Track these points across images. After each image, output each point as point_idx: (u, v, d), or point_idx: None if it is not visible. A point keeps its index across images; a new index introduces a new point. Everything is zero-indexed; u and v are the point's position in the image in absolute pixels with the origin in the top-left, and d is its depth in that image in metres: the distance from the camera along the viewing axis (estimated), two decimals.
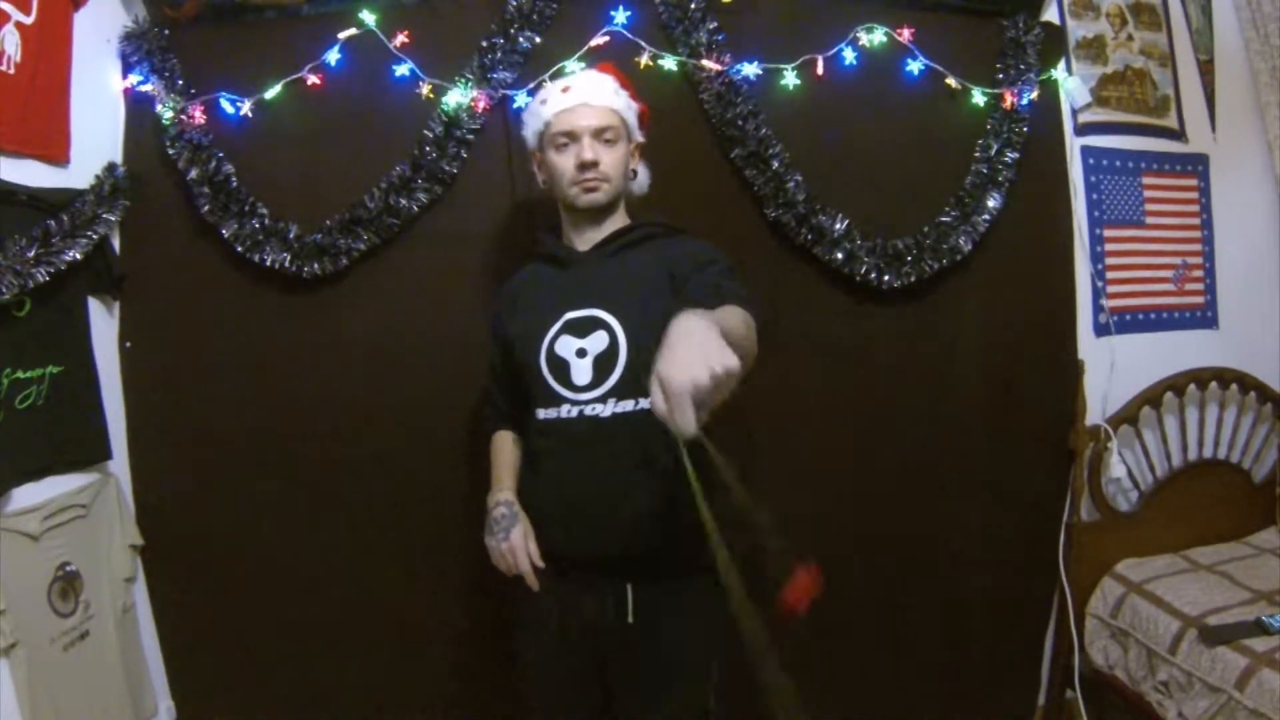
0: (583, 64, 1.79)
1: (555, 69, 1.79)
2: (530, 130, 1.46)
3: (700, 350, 0.90)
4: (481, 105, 1.78)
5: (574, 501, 1.33)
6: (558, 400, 1.33)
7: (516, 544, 1.32)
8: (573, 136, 1.38)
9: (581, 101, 1.39)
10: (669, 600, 1.35)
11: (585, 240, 1.44)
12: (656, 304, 1.28)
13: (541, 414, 1.36)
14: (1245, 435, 2.28)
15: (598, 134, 1.39)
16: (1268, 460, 2.33)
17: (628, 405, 1.30)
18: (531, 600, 1.42)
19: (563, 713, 1.44)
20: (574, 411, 1.32)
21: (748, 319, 1.18)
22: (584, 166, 1.37)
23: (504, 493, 1.40)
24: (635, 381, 1.29)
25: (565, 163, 1.39)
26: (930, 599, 2.09)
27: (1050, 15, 2.10)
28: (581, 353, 1.33)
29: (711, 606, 1.37)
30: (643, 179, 1.54)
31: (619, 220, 1.47)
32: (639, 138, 1.49)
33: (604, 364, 1.31)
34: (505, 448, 1.50)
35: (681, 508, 1.22)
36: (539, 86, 1.80)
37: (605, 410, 1.30)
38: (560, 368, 1.33)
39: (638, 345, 1.29)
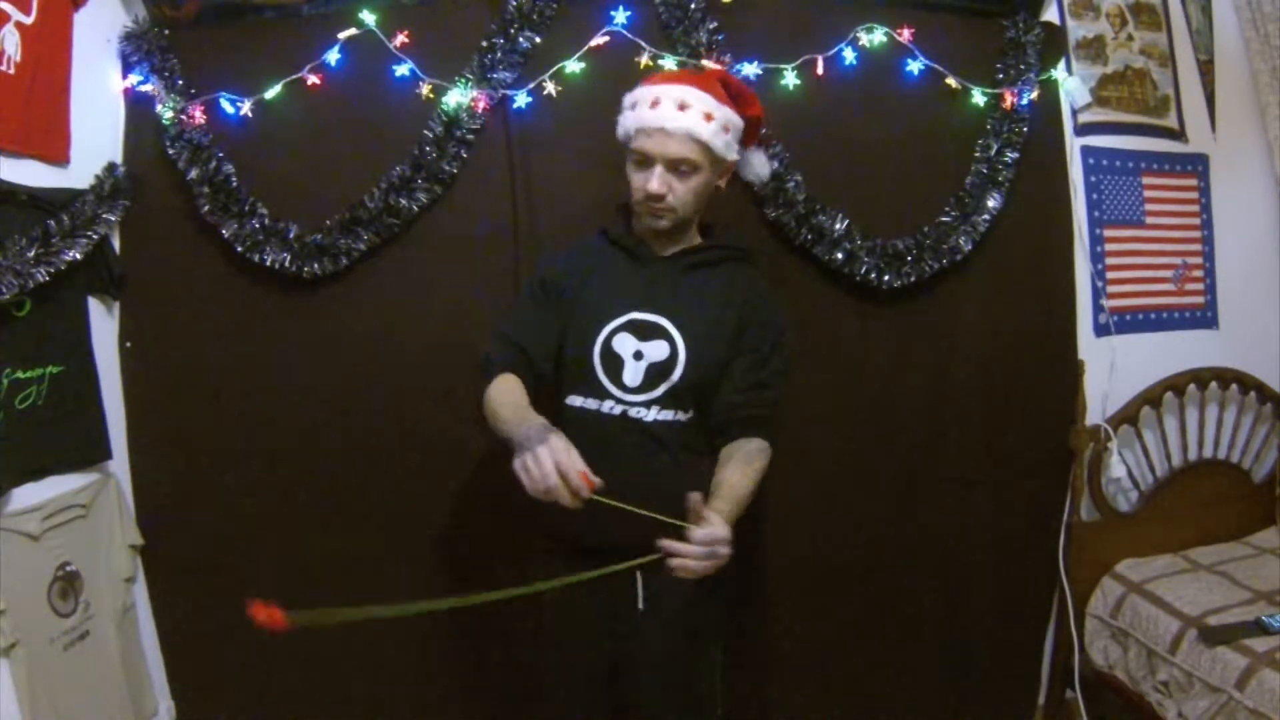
0: (583, 64, 1.80)
1: (555, 69, 1.80)
2: (620, 125, 1.40)
3: (716, 561, 1.15)
4: (481, 105, 1.78)
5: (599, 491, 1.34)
6: (602, 394, 1.35)
7: (556, 447, 1.10)
8: (648, 161, 1.35)
9: (660, 127, 1.32)
10: (676, 587, 1.36)
11: (661, 245, 1.44)
12: (720, 340, 1.38)
13: (578, 402, 1.37)
14: (1245, 435, 2.28)
15: (672, 165, 1.34)
16: (1268, 460, 2.33)
17: (668, 415, 1.36)
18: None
19: (569, 698, 1.47)
20: (617, 409, 1.35)
21: (764, 462, 1.35)
22: (650, 197, 1.35)
23: (538, 418, 1.21)
24: (681, 395, 1.36)
25: (637, 181, 1.37)
26: (930, 599, 2.09)
27: (1050, 15, 2.09)
28: (638, 355, 1.35)
29: (715, 592, 1.42)
30: (763, 170, 1.50)
31: (692, 233, 1.47)
32: (732, 157, 1.41)
33: (657, 373, 1.35)
34: (518, 388, 1.34)
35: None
36: (539, 87, 1.81)
37: (649, 415, 1.35)
38: (613, 363, 1.35)
39: (692, 365, 1.35)
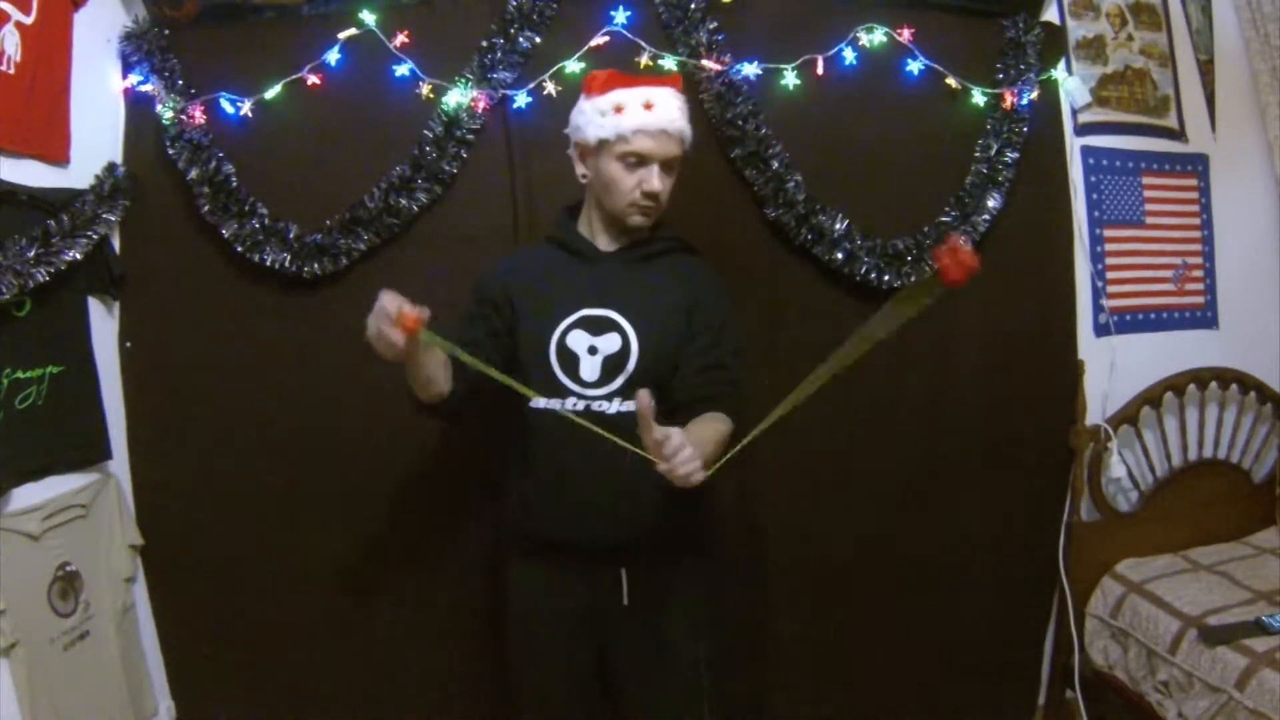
0: (583, 64, 1.80)
1: (555, 69, 1.80)
2: (591, 127, 1.37)
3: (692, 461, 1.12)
4: (481, 105, 1.78)
5: (576, 491, 1.36)
6: (563, 392, 1.36)
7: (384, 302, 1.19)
8: (645, 161, 1.36)
9: (663, 128, 1.35)
10: (661, 582, 1.41)
11: (609, 240, 1.45)
12: (671, 326, 1.39)
13: (541, 404, 1.38)
14: (1245, 435, 2.28)
15: (667, 164, 1.38)
16: (1268, 460, 2.33)
17: (630, 406, 1.34)
18: (522, 590, 1.47)
19: (561, 700, 1.46)
20: (580, 405, 1.35)
21: (727, 429, 1.33)
22: (648, 195, 1.37)
23: None
24: (640, 385, 1.32)
25: (628, 182, 1.37)
26: (930, 599, 2.09)
27: (1050, 15, 2.10)
28: (593, 350, 1.36)
29: (702, 586, 1.46)
30: None
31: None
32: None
33: (613, 365, 1.35)
34: None
35: (674, 497, 1.28)
36: (539, 87, 1.81)
37: (610, 408, 1.34)
38: (570, 361, 1.36)
39: (646, 354, 1.35)
